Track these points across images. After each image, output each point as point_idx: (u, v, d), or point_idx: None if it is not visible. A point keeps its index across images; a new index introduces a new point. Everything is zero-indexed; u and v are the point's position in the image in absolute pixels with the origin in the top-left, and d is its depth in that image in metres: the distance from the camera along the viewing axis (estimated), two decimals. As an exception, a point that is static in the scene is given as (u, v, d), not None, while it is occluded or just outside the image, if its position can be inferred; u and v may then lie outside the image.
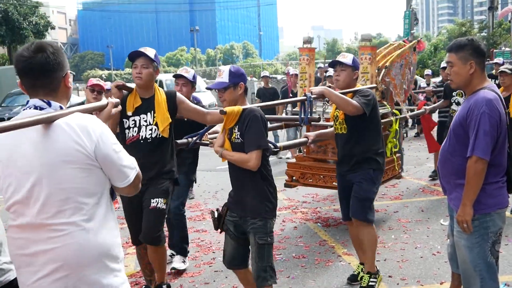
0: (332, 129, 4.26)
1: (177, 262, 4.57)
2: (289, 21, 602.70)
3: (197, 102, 7.02)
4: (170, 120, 3.64)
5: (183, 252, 4.65)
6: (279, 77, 28.88)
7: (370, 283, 3.94)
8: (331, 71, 9.83)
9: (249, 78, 24.99)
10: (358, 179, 3.93)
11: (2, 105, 17.42)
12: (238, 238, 3.32)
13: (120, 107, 2.27)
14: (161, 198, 3.59)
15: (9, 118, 19.40)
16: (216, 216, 3.37)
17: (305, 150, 5.95)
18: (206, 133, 3.99)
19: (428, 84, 11.91)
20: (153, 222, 3.58)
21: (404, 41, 7.25)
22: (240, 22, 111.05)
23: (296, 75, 9.37)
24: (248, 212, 3.21)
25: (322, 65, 11.72)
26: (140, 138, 3.58)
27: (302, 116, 3.84)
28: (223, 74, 3.23)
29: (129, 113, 3.60)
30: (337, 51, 78.43)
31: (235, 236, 3.32)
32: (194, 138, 3.99)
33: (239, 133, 3.20)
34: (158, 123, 3.58)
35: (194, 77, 4.51)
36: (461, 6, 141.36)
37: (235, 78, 3.23)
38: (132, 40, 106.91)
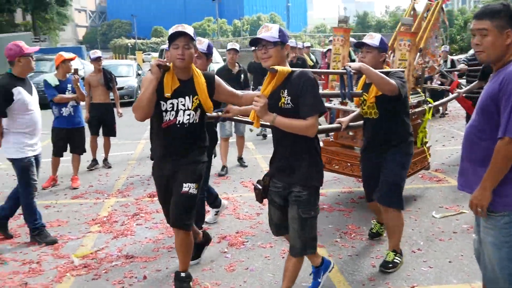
0: (357, 112, 4.04)
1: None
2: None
3: None
4: (212, 107, 3.47)
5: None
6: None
7: (395, 260, 3.90)
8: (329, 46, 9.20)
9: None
10: (389, 163, 3.83)
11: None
12: (284, 208, 3.18)
13: None
14: (194, 183, 3.42)
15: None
16: (260, 188, 3.21)
17: (333, 134, 5.69)
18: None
19: (445, 61, 11.12)
20: (183, 207, 3.42)
21: (430, 1, 6.72)
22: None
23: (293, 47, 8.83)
24: (297, 180, 3.03)
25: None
26: (177, 122, 3.37)
27: (344, 91, 3.55)
28: (272, 29, 2.94)
29: (167, 95, 3.33)
30: (367, 25, 76.50)
31: (280, 206, 3.19)
32: (221, 113, 3.68)
33: (289, 98, 2.91)
34: (204, 108, 3.42)
35: (209, 48, 4.22)
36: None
37: (285, 37, 2.97)
38: (159, 9, 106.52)
